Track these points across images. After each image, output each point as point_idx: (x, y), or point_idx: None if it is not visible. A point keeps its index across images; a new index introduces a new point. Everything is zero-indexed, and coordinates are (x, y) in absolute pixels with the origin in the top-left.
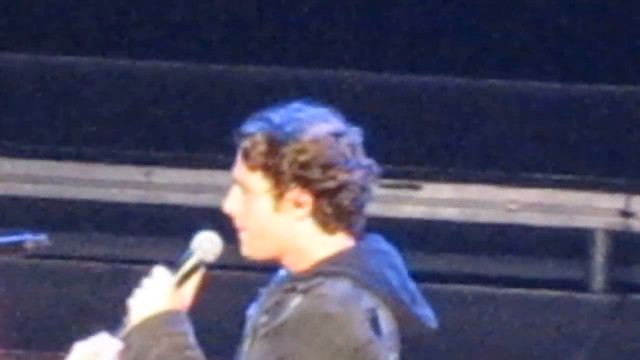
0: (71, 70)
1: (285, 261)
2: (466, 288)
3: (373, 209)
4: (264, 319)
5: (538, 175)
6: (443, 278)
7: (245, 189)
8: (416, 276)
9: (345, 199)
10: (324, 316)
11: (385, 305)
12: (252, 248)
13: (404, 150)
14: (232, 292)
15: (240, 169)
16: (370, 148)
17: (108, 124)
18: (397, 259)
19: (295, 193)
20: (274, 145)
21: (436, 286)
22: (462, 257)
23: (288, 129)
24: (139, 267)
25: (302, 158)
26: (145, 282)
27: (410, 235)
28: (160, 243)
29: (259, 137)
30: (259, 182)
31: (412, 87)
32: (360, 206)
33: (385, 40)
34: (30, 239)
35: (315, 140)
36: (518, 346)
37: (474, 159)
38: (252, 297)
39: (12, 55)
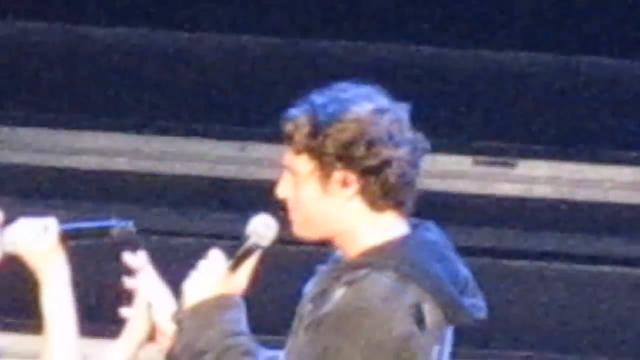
0: (164, 44)
1: (337, 243)
2: (560, 266)
3: (467, 186)
4: (309, 307)
5: (634, 154)
6: (537, 256)
7: (293, 173)
8: (511, 254)
9: (391, 175)
10: (365, 311)
11: (430, 298)
12: (303, 229)
13: (499, 127)
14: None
15: (287, 153)
16: (464, 125)
17: (203, 99)
18: (447, 248)
19: (341, 173)
20: (317, 126)
21: (530, 264)
22: (557, 235)
23: (330, 109)
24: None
25: (345, 137)
26: (201, 264)
27: (504, 213)
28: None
29: (302, 120)
30: (305, 165)
31: (508, 64)
32: (408, 182)
33: (479, 17)
34: (117, 225)
35: (358, 119)
36: (618, 328)
37: (569, 136)
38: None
39: (101, 30)
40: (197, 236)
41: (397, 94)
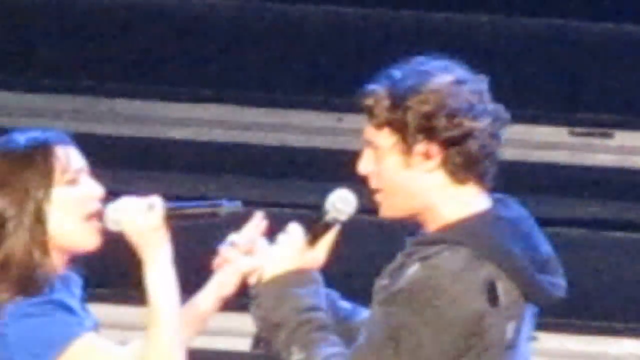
0: (262, 15)
1: (419, 219)
2: None
3: (565, 157)
4: (385, 282)
5: None
6: (635, 227)
7: (375, 148)
8: (607, 225)
9: (473, 146)
10: (436, 289)
11: (505, 275)
12: (387, 207)
13: (596, 98)
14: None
15: (368, 128)
16: (560, 96)
17: (299, 70)
18: (526, 225)
19: (423, 145)
20: (397, 99)
21: (626, 236)
22: None
23: (410, 82)
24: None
25: (426, 109)
26: (280, 238)
27: (602, 184)
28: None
29: (382, 94)
30: (386, 139)
31: (606, 35)
32: (490, 153)
33: None
34: (226, 206)
35: (437, 90)
36: None
37: None
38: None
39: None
40: (293, 207)
41: (492, 65)
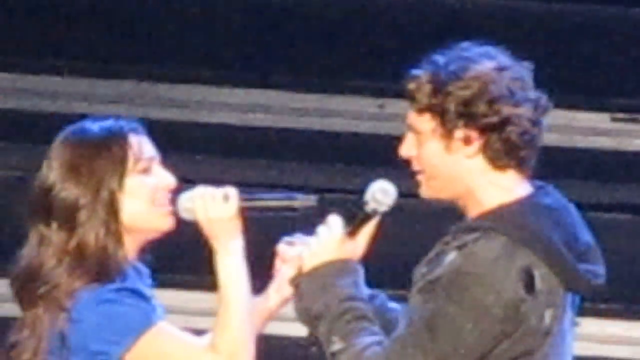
0: (307, 0)
1: (460, 204)
2: None
3: (604, 142)
4: (423, 269)
5: None
6: None
7: (417, 133)
8: None
9: (513, 133)
10: (473, 276)
11: (543, 263)
12: (428, 189)
13: (637, 84)
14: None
15: (410, 113)
16: (602, 83)
17: (340, 55)
18: (566, 213)
19: (463, 130)
20: (438, 85)
21: None
22: None
23: (452, 68)
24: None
25: (466, 94)
26: (320, 230)
27: None
28: (389, 175)
29: (424, 79)
30: (427, 123)
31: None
32: (530, 140)
33: None
34: (301, 199)
35: (478, 77)
36: None
37: None
38: None
39: None
40: (337, 192)
41: (534, 51)
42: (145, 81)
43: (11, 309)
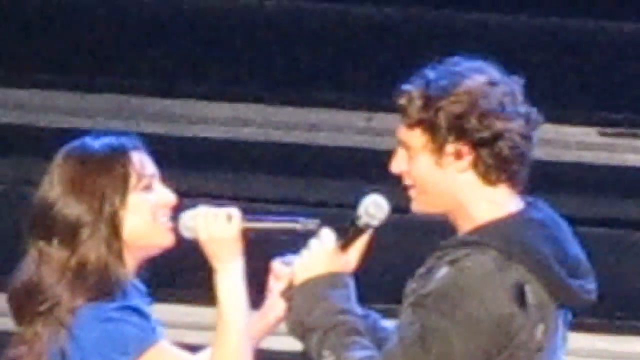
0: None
1: (451, 219)
2: None
3: (593, 157)
4: (414, 285)
5: None
6: None
7: (407, 148)
8: (637, 225)
9: (504, 147)
10: (465, 291)
11: (534, 278)
12: (419, 204)
13: (625, 98)
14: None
15: (400, 128)
16: (590, 97)
17: (329, 68)
18: (557, 228)
19: (454, 145)
20: (429, 99)
21: None
22: None
23: (442, 82)
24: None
25: (457, 109)
26: (312, 243)
27: (631, 184)
28: (377, 189)
29: (415, 94)
30: (418, 138)
31: (635, 35)
32: (521, 155)
33: None
34: (304, 222)
35: (470, 91)
36: None
37: None
38: None
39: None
40: (325, 206)
41: (521, 66)
42: (130, 95)
43: (4, 324)
